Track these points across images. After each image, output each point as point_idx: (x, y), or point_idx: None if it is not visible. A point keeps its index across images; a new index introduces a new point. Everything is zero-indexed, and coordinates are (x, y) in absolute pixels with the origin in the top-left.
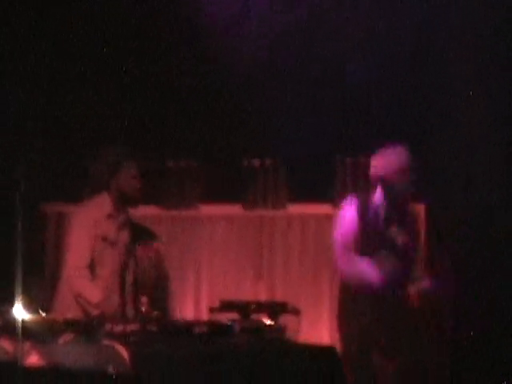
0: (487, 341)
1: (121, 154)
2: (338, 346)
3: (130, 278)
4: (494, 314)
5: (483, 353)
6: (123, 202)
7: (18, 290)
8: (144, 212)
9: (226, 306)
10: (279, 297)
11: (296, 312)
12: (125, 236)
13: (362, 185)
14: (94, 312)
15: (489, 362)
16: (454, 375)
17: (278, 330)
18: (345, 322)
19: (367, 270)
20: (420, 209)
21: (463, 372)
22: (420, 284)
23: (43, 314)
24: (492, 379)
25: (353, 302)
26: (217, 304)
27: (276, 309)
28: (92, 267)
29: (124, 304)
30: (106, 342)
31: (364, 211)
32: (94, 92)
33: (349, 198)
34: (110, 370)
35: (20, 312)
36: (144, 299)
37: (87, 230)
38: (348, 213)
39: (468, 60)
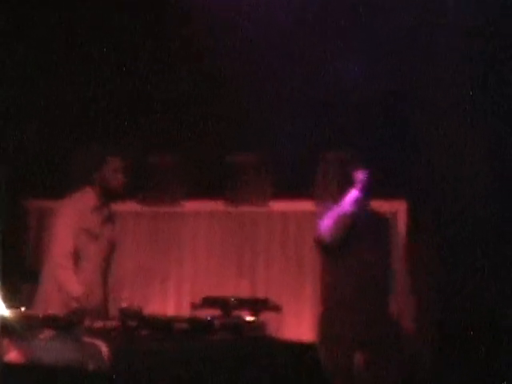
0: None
1: (105, 149)
2: (319, 344)
3: (112, 274)
4: (486, 313)
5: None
6: (107, 196)
7: None
8: (126, 208)
9: (208, 302)
10: (260, 293)
11: (277, 309)
12: (108, 230)
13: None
14: (74, 305)
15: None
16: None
17: (259, 326)
18: (327, 322)
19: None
20: (402, 206)
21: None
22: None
23: (23, 310)
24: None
25: (336, 308)
26: (198, 300)
27: (257, 305)
28: (75, 260)
29: (106, 299)
30: (86, 338)
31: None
32: (76, 87)
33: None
34: (90, 366)
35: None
36: (125, 294)
37: (71, 222)
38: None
39: (457, 58)
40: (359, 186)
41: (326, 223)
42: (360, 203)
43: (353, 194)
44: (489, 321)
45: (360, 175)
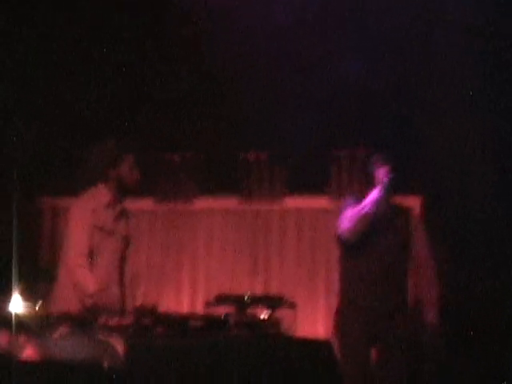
0: (488, 339)
1: (121, 147)
2: (335, 341)
3: (127, 270)
4: (494, 312)
5: (483, 352)
6: (121, 193)
7: (14, 283)
8: (140, 205)
9: (222, 299)
10: (275, 290)
11: (292, 305)
12: (122, 227)
13: (357, 178)
14: (89, 303)
15: (489, 362)
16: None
17: (274, 323)
18: (343, 319)
19: (360, 207)
20: (416, 201)
21: (463, 372)
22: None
23: (39, 308)
24: (492, 379)
25: (352, 302)
26: (212, 297)
27: (272, 302)
28: (90, 257)
29: (122, 296)
30: (101, 335)
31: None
32: (90, 85)
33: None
34: (105, 363)
35: (15, 305)
36: (139, 292)
37: (85, 219)
38: (348, 200)
39: (464, 54)
40: (381, 185)
41: (347, 224)
42: (382, 202)
43: (374, 194)
44: (500, 317)
45: (382, 174)
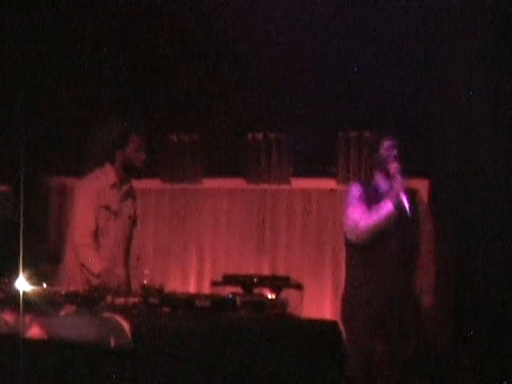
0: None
1: (128, 127)
2: (342, 323)
3: (133, 250)
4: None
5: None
6: (127, 173)
7: (20, 261)
8: (147, 185)
9: (229, 279)
10: (281, 271)
11: (298, 286)
12: (128, 206)
13: (364, 160)
14: (95, 282)
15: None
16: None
17: (281, 304)
18: (349, 306)
19: (379, 209)
20: (423, 184)
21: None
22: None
23: (45, 286)
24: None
25: (357, 289)
26: (219, 278)
27: (278, 283)
28: (97, 237)
29: (127, 276)
30: (107, 314)
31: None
32: (97, 65)
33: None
34: (111, 342)
35: (22, 284)
36: (146, 271)
37: (91, 199)
38: (354, 188)
39: (467, 40)
40: (394, 200)
41: (357, 229)
42: (395, 215)
43: (388, 208)
44: (504, 302)
45: (397, 184)
